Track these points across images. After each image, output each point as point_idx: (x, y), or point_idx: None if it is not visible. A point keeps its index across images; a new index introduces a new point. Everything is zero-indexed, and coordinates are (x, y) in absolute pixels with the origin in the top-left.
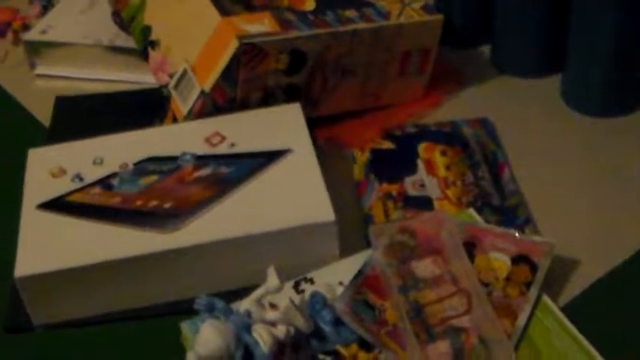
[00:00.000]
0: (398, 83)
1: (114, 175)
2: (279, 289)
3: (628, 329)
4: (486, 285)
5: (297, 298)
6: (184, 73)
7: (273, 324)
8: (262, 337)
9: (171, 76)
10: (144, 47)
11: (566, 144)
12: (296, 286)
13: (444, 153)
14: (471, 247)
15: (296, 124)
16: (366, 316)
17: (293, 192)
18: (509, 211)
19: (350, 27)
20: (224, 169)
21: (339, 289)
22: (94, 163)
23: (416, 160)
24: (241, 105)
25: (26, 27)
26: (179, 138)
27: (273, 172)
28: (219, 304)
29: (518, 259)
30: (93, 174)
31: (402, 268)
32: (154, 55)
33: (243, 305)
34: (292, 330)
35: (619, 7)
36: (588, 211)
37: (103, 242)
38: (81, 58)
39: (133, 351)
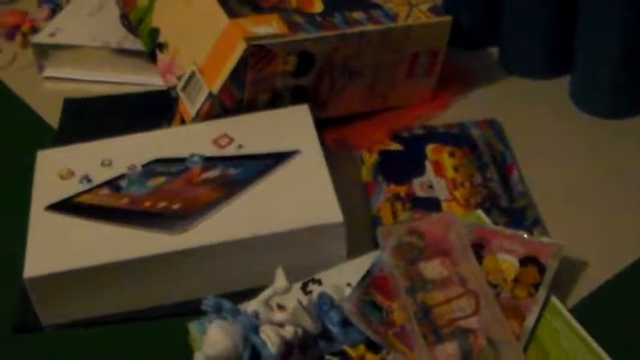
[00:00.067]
0: (406, 85)
1: (122, 176)
2: (286, 290)
3: (636, 331)
4: (494, 286)
5: (304, 299)
6: (192, 75)
7: (280, 325)
8: (270, 338)
9: (179, 78)
10: (152, 49)
11: (575, 145)
12: (304, 287)
13: (452, 154)
14: (479, 249)
15: (304, 126)
16: (373, 317)
17: (301, 193)
18: (517, 213)
19: (358, 29)
20: (232, 171)
21: (347, 290)
22: (103, 164)
23: (424, 161)
24: (249, 107)
25: (35, 29)
26: (187, 140)
27: (281, 173)
28: (227, 305)
29: (527, 261)
30: (101, 175)
31: (410, 269)
32: (161, 57)
33: (251, 306)
34: (300, 331)
35: (627, 5)
36: (597, 213)
37: (111, 243)
38: (89, 60)
39: (141, 351)
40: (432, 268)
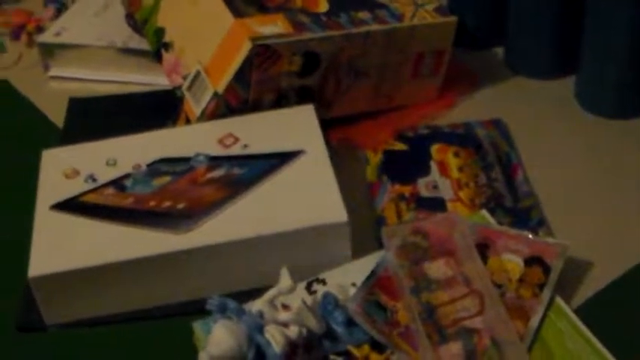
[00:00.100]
0: (411, 85)
1: (127, 176)
2: (291, 290)
3: None
4: (499, 286)
5: (309, 299)
6: (197, 74)
7: (285, 325)
8: (274, 338)
9: (184, 77)
10: (157, 49)
11: (580, 145)
12: (308, 287)
13: (456, 154)
14: (483, 249)
15: (309, 126)
16: (378, 317)
17: (306, 193)
18: (522, 213)
19: (363, 29)
20: (237, 170)
21: (352, 290)
22: (108, 164)
23: (429, 161)
24: (254, 106)
25: (40, 29)
26: (192, 139)
27: (286, 173)
28: (232, 304)
29: (531, 261)
30: (106, 175)
31: (415, 269)
32: (167, 56)
33: (256, 306)
34: (304, 331)
35: (634, 4)
36: (602, 213)
37: (116, 242)
38: (94, 59)
39: (145, 351)
40: (437, 268)
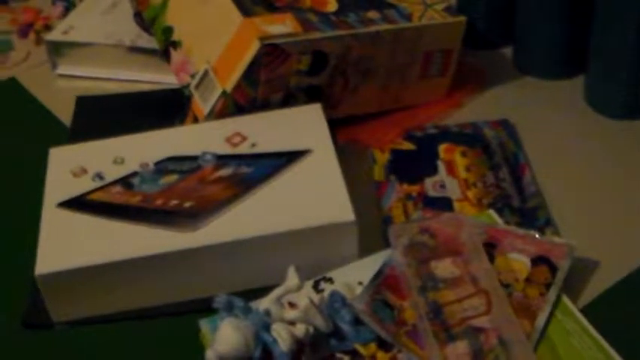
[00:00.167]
0: (419, 85)
1: (134, 174)
2: (298, 289)
3: None
4: (506, 286)
5: (316, 298)
6: (206, 73)
7: (292, 323)
8: (281, 336)
9: (192, 76)
10: (165, 48)
11: (588, 146)
12: (315, 286)
13: (464, 154)
14: (490, 248)
15: (317, 125)
16: (385, 316)
17: (313, 192)
18: (529, 213)
19: (372, 28)
20: (245, 169)
21: (359, 289)
22: (115, 162)
23: (436, 161)
24: (262, 105)
25: (48, 27)
26: (200, 138)
27: (294, 172)
28: (239, 302)
29: (538, 261)
30: (113, 173)
31: (422, 268)
32: (175, 55)
33: (263, 304)
34: (311, 329)
35: None
36: (609, 214)
37: (123, 241)
38: (102, 58)
39: (152, 349)
40: (444, 267)
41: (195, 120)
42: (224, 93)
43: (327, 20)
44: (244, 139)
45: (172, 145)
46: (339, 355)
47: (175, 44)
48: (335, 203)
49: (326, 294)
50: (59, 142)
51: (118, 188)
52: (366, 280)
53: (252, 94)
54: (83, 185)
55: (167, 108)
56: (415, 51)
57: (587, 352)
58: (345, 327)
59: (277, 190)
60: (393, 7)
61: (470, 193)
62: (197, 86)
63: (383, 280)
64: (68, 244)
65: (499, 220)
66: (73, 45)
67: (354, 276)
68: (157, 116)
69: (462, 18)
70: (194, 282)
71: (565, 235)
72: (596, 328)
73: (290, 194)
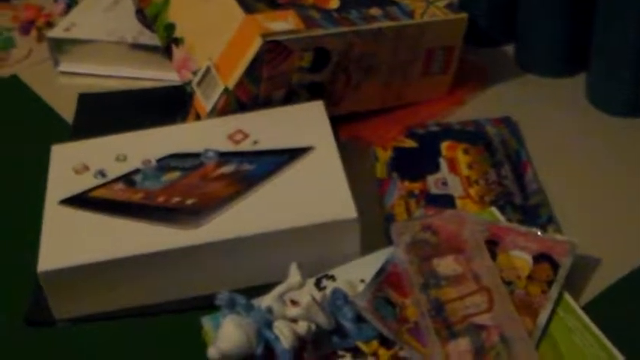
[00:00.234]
0: (421, 82)
1: (137, 171)
2: (300, 286)
3: None
4: (508, 283)
5: (318, 295)
6: (208, 70)
7: (294, 320)
8: (283, 333)
9: (194, 73)
10: (167, 44)
11: (590, 143)
12: (317, 283)
13: (466, 151)
14: (492, 246)
15: (319, 122)
16: (387, 314)
17: (315, 189)
18: (531, 210)
19: (374, 25)
20: (247, 166)
21: (361, 286)
22: (117, 159)
23: (438, 158)
24: (264, 102)
25: (50, 24)
26: (202, 135)
27: (296, 169)
28: (241, 300)
29: (540, 258)
30: (116, 170)
31: (424, 265)
32: (177, 52)
33: (265, 301)
34: (313, 326)
35: None
36: (611, 211)
37: (125, 238)
38: (104, 55)
39: (154, 346)
40: (446, 265)
41: (198, 117)
42: (226, 90)
43: (329, 17)
44: (246, 136)
45: (174, 142)
46: (341, 352)
47: (177, 41)
48: (337, 200)
49: (328, 291)
50: (61, 139)
51: (120, 185)
52: (368, 278)
53: (255, 91)
54: (85, 182)
55: (169, 105)
56: (417, 48)
57: (589, 350)
58: (347, 324)
59: (279, 187)
60: (395, 4)
61: (472, 191)
62: (199, 83)
63: (385, 278)
64: (70, 241)
65: (501, 218)
66: (75, 42)
67: (356, 273)
68: (159, 113)
69: (464, 15)
70: (196, 279)
71: (567, 233)
72: (598, 326)
73: (292, 191)
